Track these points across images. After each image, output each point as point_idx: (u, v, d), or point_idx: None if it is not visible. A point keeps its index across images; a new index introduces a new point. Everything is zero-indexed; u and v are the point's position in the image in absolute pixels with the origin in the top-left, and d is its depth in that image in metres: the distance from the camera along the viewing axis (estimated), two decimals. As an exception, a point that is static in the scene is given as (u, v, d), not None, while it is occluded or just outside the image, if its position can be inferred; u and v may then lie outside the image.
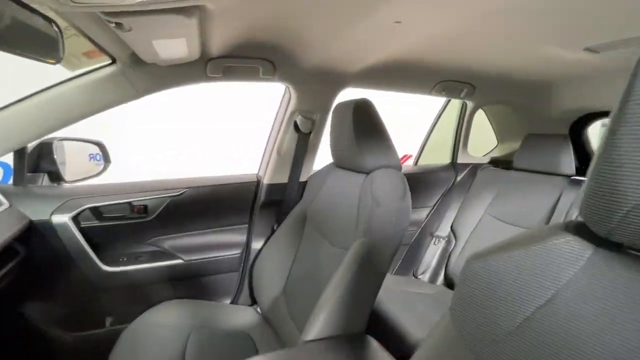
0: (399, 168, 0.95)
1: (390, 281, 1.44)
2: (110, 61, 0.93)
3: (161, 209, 1.19)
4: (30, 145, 1.09)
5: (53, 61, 0.57)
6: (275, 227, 1.34)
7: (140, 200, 1.16)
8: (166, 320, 1.04)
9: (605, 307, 0.26)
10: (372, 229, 0.80)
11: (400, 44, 1.02)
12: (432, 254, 1.69)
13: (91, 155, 1.34)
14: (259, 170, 1.38)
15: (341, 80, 1.22)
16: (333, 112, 1.04)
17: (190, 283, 1.25)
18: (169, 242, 1.23)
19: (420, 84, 1.39)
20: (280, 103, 1.29)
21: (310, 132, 1.29)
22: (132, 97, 0.99)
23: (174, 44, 0.82)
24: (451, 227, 1.72)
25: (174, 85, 1.02)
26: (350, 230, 0.87)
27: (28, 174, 1.08)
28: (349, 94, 1.16)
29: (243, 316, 1.15)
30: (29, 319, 1.05)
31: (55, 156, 1.15)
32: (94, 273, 1.08)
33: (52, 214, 1.02)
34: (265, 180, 1.32)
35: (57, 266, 1.05)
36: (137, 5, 0.52)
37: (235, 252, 1.31)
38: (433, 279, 1.68)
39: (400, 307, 1.29)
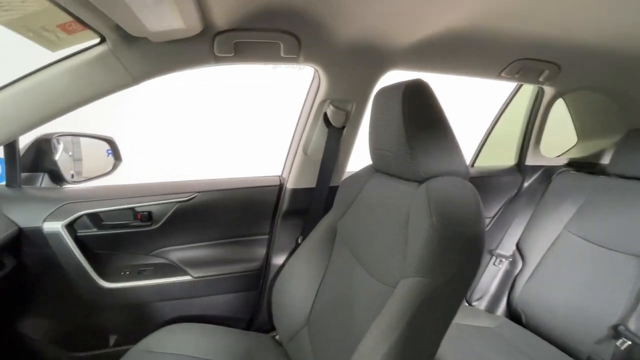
0: (466, 175, 0.68)
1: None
2: (98, 40, 0.76)
3: (168, 216, 1.02)
4: (27, 143, 0.98)
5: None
6: (299, 240, 1.13)
7: (145, 205, 1.00)
8: (170, 347, 0.87)
9: None
10: (431, 265, 0.55)
11: (462, 12, 0.77)
12: (491, 277, 1.38)
13: (109, 151, 1.21)
14: (282, 172, 1.17)
15: (384, 60, 0.96)
16: (374, 100, 0.78)
17: (200, 303, 1.08)
18: (177, 254, 1.06)
19: (487, 65, 1.08)
20: (308, 91, 1.06)
21: (344, 127, 1.04)
22: (128, 83, 0.81)
23: (165, 13, 0.62)
24: (517, 244, 1.39)
25: (175, 69, 0.82)
26: (396, 262, 0.63)
27: (25, 173, 0.97)
28: (391, 78, 0.90)
29: (259, 348, 0.95)
30: (24, 337, 0.94)
31: (55, 154, 1.03)
32: (91, 289, 0.94)
33: (44, 220, 0.89)
34: (289, 185, 1.10)
35: (50, 280, 0.92)
36: None
37: (253, 268, 1.11)
38: (492, 308, 1.37)
39: (451, 343, 1.02)
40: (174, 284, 1.02)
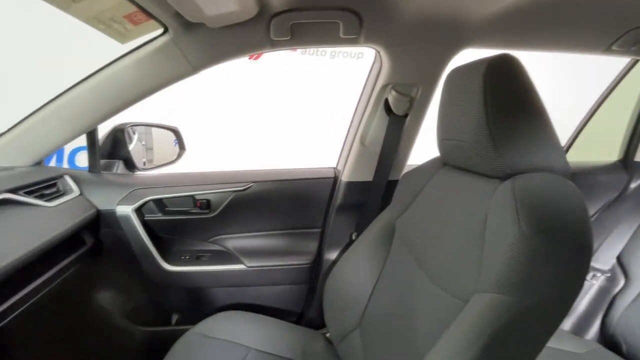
0: (566, 172, 0.54)
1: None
2: (162, 30, 0.77)
3: (224, 204, 1.04)
4: (105, 131, 1.06)
5: None
6: (353, 236, 1.06)
7: (204, 193, 1.03)
8: (223, 334, 0.88)
9: None
10: (518, 282, 0.44)
11: None
12: (581, 294, 1.16)
13: (175, 141, 1.28)
14: (337, 164, 1.11)
15: (459, 36, 0.83)
16: (447, 82, 0.67)
17: (253, 292, 1.08)
18: (232, 242, 1.08)
19: (593, 37, 0.87)
20: (368, 76, 0.98)
21: (407, 115, 0.94)
22: (188, 72, 0.82)
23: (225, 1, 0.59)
24: (618, 258, 1.14)
25: (232, 55, 0.81)
26: (467, 272, 0.52)
27: (103, 160, 1.05)
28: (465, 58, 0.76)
29: (309, 344, 0.92)
30: (100, 308, 1.03)
31: (129, 143, 1.11)
32: (155, 270, 1.00)
33: (117, 204, 0.96)
34: (344, 177, 1.04)
35: (122, 259, 1.00)
36: None
37: (305, 261, 1.08)
38: (580, 331, 1.16)
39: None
40: (228, 271, 1.03)
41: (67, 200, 0.87)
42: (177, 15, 0.69)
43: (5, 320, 0.63)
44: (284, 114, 2.79)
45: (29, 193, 0.78)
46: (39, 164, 0.93)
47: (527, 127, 0.54)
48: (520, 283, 0.44)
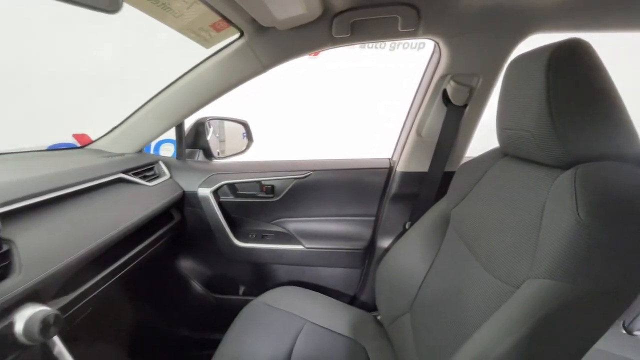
0: (634, 159, 0.51)
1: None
2: (238, 35, 0.89)
3: (287, 190, 1.14)
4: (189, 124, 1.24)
5: (113, 9, 0.50)
6: (407, 226, 1.09)
7: (269, 180, 1.15)
8: (283, 305, 0.99)
9: None
10: (573, 269, 0.45)
11: None
12: None
13: (244, 134, 1.44)
14: (392, 154, 1.14)
15: (523, 22, 0.80)
16: (508, 70, 0.66)
17: (309, 271, 1.18)
18: (292, 225, 1.18)
19: None
20: (426, 66, 0.98)
21: (466, 105, 0.93)
22: (259, 70, 0.93)
23: (291, 3, 0.67)
24: None
25: (297, 54, 0.89)
26: (522, 260, 0.53)
27: (187, 149, 1.23)
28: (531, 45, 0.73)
29: (361, 324, 0.98)
30: (180, 275, 1.22)
31: (207, 134, 1.27)
32: (228, 245, 1.15)
33: (199, 186, 1.12)
34: (399, 167, 1.06)
35: (201, 233, 1.17)
36: None
37: (359, 247, 1.14)
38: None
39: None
40: (289, 250, 1.14)
41: (162, 182, 1.05)
42: (252, 21, 0.80)
43: (117, 276, 0.79)
44: (343, 107, 2.86)
45: (135, 174, 0.97)
46: (140, 151, 1.13)
47: (595, 115, 0.52)
48: (574, 270, 0.44)
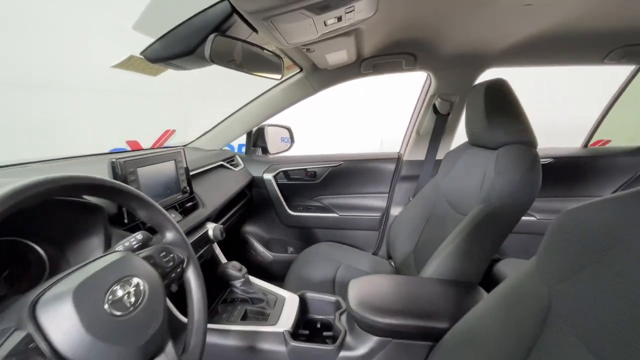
0: (532, 145, 0.97)
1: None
2: (299, 70, 1.37)
3: (325, 175, 1.61)
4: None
5: (279, 77, 0.99)
6: (411, 198, 1.55)
7: (312, 167, 1.62)
8: (323, 254, 1.44)
9: None
10: (490, 197, 0.90)
11: (560, 12, 0.98)
12: None
13: (282, 138, 1.92)
14: (400, 148, 1.61)
15: (481, 61, 1.27)
16: (469, 93, 1.13)
17: (342, 233, 1.65)
18: (329, 200, 1.66)
19: (586, 55, 1.24)
20: (422, 88, 1.46)
21: (449, 114, 1.40)
22: (310, 94, 1.42)
23: (338, 54, 1.15)
24: None
25: (337, 82, 1.38)
26: (472, 199, 0.99)
27: (252, 147, 1.72)
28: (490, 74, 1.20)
29: (379, 265, 1.43)
30: (248, 239, 1.70)
31: (265, 137, 1.76)
32: (284, 214, 1.62)
33: (263, 172, 1.60)
34: (405, 157, 1.53)
35: (265, 206, 1.64)
36: (318, 37, 0.86)
37: (377, 214, 1.60)
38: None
39: None
40: (326, 217, 1.61)
41: (241, 169, 1.53)
42: (312, 64, 1.28)
43: (229, 223, 1.27)
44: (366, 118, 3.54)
45: (228, 162, 1.45)
46: (224, 148, 1.62)
47: (508, 119, 0.98)
48: (489, 196, 0.90)
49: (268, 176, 1.60)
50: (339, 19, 0.76)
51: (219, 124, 1.56)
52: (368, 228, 1.62)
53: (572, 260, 0.42)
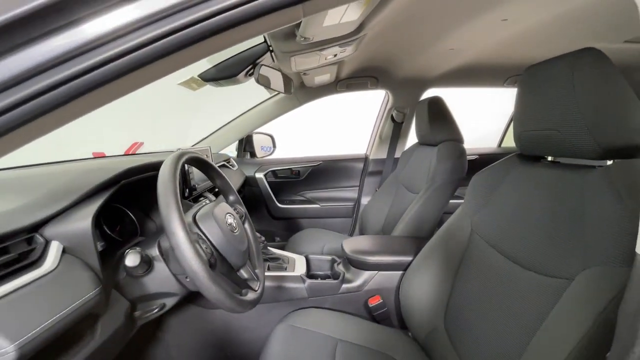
0: (460, 141, 1.40)
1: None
2: (287, 87, 1.71)
3: (307, 173, 1.95)
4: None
5: (290, 93, 1.32)
6: (377, 189, 1.95)
7: (296, 167, 1.95)
8: (309, 238, 1.76)
9: None
10: (435, 177, 1.28)
11: (473, 53, 1.45)
12: None
13: (263, 146, 2.22)
14: (366, 150, 2.01)
15: (425, 83, 1.74)
16: (417, 106, 1.55)
17: (323, 221, 1.98)
18: (311, 194, 1.99)
19: (492, 80, 1.76)
20: (382, 103, 1.89)
21: (403, 122, 1.84)
22: (296, 106, 1.76)
23: (324, 77, 1.52)
24: None
25: (318, 97, 1.75)
26: (422, 181, 1.39)
27: (243, 151, 2.00)
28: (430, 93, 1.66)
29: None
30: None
31: (253, 143, 2.05)
32: (274, 207, 1.92)
33: (255, 172, 1.89)
34: (371, 157, 1.94)
35: (256, 203, 1.92)
36: (316, 66, 1.21)
37: (350, 203, 1.97)
38: None
39: None
40: (309, 208, 1.94)
41: (237, 169, 1.81)
42: (301, 83, 1.63)
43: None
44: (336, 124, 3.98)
45: (227, 163, 1.72)
46: (220, 152, 1.87)
47: (444, 123, 1.42)
48: (435, 177, 1.32)
49: (259, 175, 1.89)
50: (335, 55, 1.12)
51: (214, 132, 1.82)
52: (344, 215, 1.98)
53: (479, 201, 0.81)
